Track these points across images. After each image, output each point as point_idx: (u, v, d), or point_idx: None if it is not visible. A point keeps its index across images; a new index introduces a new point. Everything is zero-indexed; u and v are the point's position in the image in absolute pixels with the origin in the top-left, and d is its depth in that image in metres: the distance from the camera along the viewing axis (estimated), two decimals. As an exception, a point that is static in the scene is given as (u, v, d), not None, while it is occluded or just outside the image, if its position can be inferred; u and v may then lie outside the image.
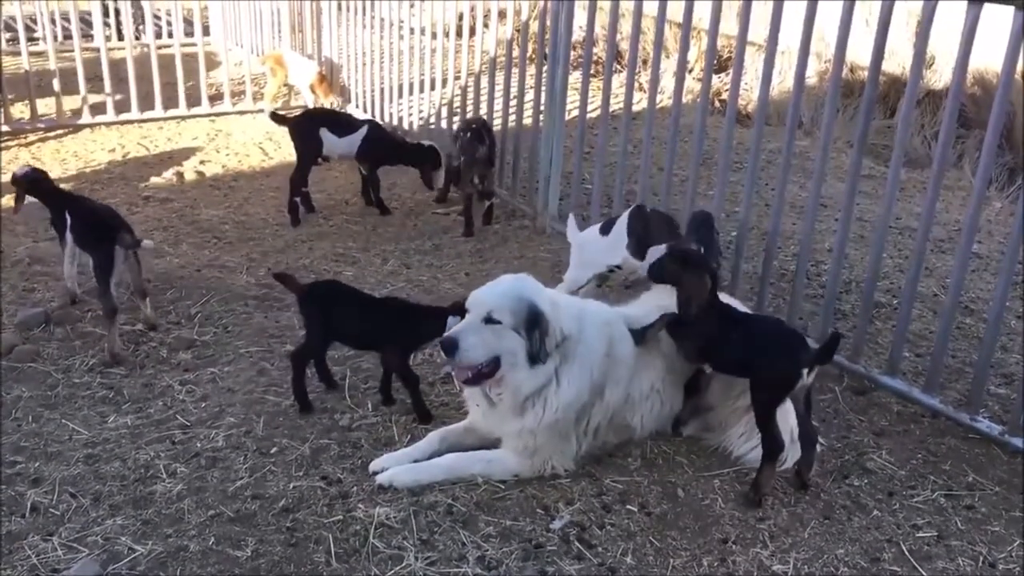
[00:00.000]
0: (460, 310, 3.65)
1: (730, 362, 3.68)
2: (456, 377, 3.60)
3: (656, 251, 4.12)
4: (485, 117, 6.80)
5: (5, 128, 8.03)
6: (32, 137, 7.90)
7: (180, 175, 7.38)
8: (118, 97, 8.67)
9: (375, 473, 3.60)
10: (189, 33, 9.93)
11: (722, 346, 3.64)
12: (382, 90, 8.38)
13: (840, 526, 3.45)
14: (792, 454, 3.73)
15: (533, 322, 3.47)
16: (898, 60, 9.23)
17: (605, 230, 4.79)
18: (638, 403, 3.81)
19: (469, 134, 6.26)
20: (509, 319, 3.46)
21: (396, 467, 3.60)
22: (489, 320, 3.46)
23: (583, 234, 5.00)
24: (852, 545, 3.35)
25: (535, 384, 3.55)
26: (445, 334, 3.51)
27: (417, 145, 6.85)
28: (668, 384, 3.86)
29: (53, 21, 9.26)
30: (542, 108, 6.34)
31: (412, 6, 8.43)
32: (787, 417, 3.64)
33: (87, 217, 4.79)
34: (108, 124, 8.50)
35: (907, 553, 3.32)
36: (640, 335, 3.79)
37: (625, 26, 8.42)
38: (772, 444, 3.54)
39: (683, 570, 3.21)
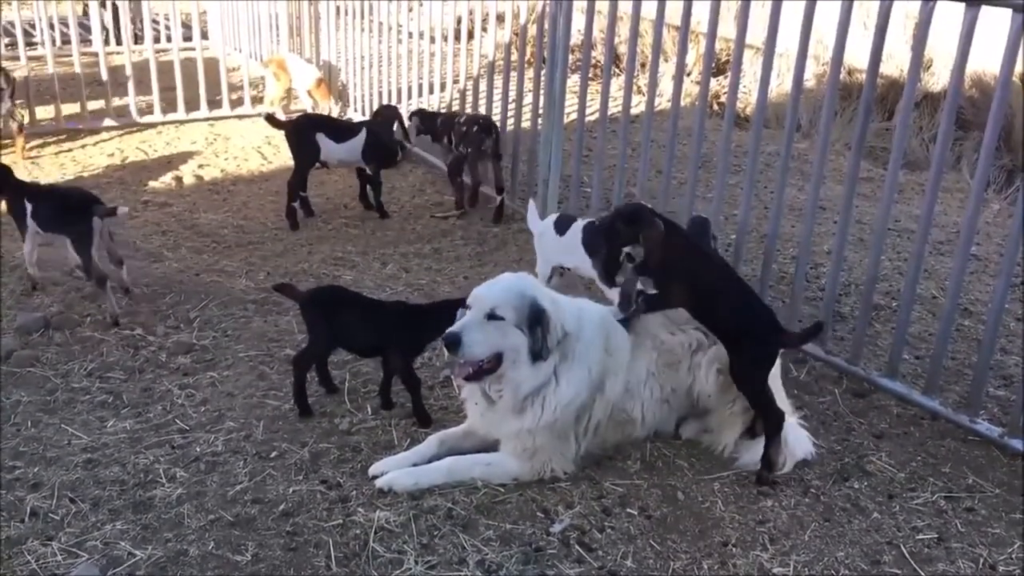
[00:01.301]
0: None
1: (712, 324, 3.72)
2: (457, 373, 3.60)
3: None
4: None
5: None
6: (32, 142, 7.88)
7: (179, 179, 7.38)
8: (117, 102, 8.68)
9: (375, 477, 3.59)
10: (188, 38, 9.93)
11: (707, 303, 3.67)
12: (381, 94, 8.38)
13: (840, 528, 3.45)
14: (789, 457, 3.75)
15: (535, 318, 3.49)
16: (896, 62, 9.26)
17: (560, 229, 4.81)
18: (636, 390, 3.81)
19: (476, 127, 6.45)
20: (512, 315, 3.47)
21: (396, 471, 3.60)
22: (492, 316, 3.47)
23: (541, 224, 5.03)
24: (852, 547, 3.35)
25: (535, 382, 3.55)
26: (448, 330, 3.50)
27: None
28: (661, 366, 3.86)
29: (52, 26, 9.26)
30: (541, 111, 6.35)
31: (411, 10, 8.43)
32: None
33: (57, 201, 5.04)
34: (107, 129, 8.51)
35: (907, 555, 3.32)
36: (626, 323, 3.82)
37: (623, 29, 8.43)
38: (774, 417, 3.59)
39: (683, 573, 3.20)
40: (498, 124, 6.74)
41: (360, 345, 4.17)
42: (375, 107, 8.32)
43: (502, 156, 6.61)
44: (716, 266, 3.82)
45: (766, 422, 3.62)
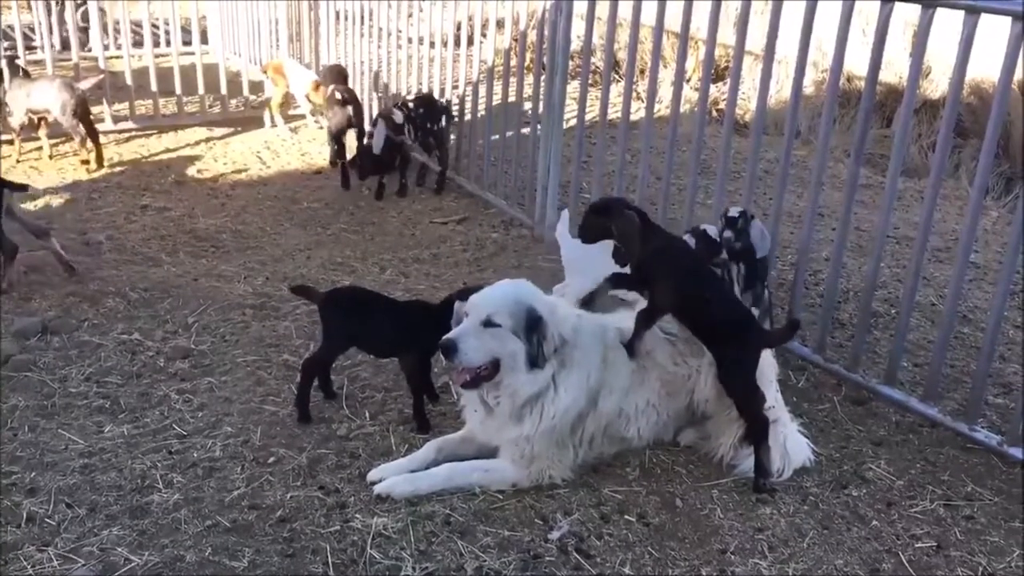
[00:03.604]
0: (466, 294, 3.64)
1: (697, 325, 3.70)
2: (455, 380, 3.60)
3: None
4: (484, 125, 6.89)
5: (5, 137, 8.00)
6: (30, 145, 7.87)
7: (177, 184, 7.37)
8: (117, 106, 8.68)
9: (373, 483, 3.59)
10: (187, 42, 9.93)
11: (688, 304, 3.67)
12: (380, 99, 8.38)
13: (839, 536, 3.44)
14: (788, 464, 3.75)
15: (532, 326, 3.49)
16: (895, 69, 9.26)
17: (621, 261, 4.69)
18: (634, 417, 3.81)
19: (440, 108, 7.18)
20: (508, 322, 3.47)
21: (394, 477, 3.59)
22: (488, 323, 3.47)
23: (576, 247, 4.86)
24: (851, 555, 3.34)
25: (533, 389, 3.55)
26: (444, 337, 3.50)
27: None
28: (663, 396, 3.86)
29: (51, 30, 9.25)
30: (540, 117, 6.35)
31: (410, 15, 8.44)
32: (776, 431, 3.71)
33: None
34: (106, 133, 8.49)
35: (906, 563, 3.32)
36: (630, 348, 3.78)
37: (623, 35, 8.44)
38: (759, 424, 3.60)
39: (682, 581, 3.20)
40: (496, 132, 6.80)
41: (380, 346, 4.15)
42: (375, 112, 8.35)
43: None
44: (697, 267, 3.82)
45: (751, 429, 3.62)
